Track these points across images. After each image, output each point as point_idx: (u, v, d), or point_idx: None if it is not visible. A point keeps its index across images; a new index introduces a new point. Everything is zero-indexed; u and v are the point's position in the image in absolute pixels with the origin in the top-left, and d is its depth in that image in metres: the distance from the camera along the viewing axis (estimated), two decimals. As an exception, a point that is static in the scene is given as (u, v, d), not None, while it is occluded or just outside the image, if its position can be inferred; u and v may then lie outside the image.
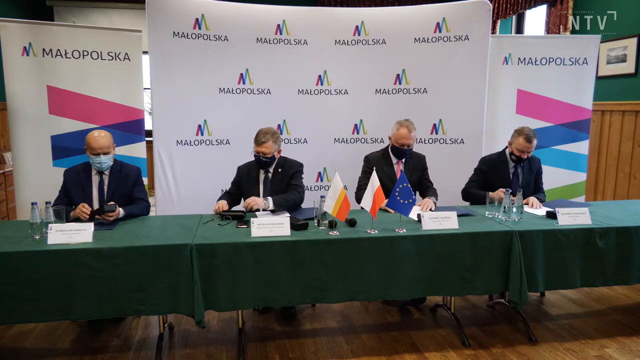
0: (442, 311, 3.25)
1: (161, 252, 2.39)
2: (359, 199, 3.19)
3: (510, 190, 3.01)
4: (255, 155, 3.15)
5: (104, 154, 2.95)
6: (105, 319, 3.01)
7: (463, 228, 2.70)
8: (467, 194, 3.52)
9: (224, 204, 3.03)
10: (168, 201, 4.00)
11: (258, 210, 3.02)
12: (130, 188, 3.07)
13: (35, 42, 3.61)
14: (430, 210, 3.05)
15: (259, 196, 3.15)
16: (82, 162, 3.08)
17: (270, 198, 3.02)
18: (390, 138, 3.43)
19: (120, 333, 2.97)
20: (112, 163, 3.03)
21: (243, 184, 3.24)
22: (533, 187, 3.54)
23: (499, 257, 2.67)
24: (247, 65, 4.10)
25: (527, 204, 3.24)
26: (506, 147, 3.52)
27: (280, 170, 3.23)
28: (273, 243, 2.50)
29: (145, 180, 3.69)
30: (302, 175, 3.31)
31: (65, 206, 2.75)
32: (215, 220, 2.86)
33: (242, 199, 3.19)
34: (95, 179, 3.03)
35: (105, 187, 3.03)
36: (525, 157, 3.38)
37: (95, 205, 2.98)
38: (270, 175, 3.23)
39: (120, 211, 2.85)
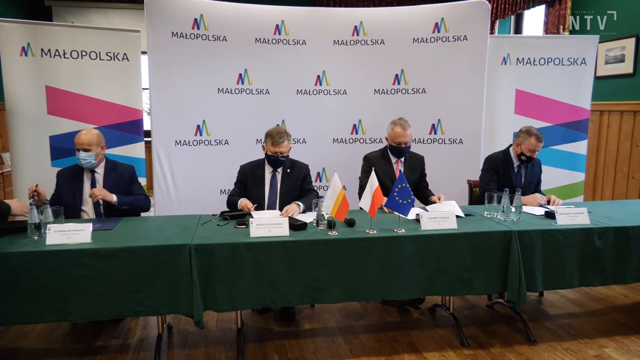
0: (441, 311, 3.25)
1: (160, 253, 2.39)
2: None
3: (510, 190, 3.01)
4: (271, 156, 3.12)
5: (84, 150, 2.94)
6: (104, 320, 3.00)
7: (462, 228, 2.70)
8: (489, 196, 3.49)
9: (249, 202, 3.01)
10: (167, 201, 3.99)
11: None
12: (127, 186, 3.08)
13: (33, 42, 3.61)
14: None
15: (264, 195, 3.17)
16: (75, 163, 3.09)
17: (301, 204, 3.02)
18: (387, 139, 3.43)
19: (119, 334, 2.96)
20: (94, 162, 2.99)
21: (248, 183, 3.21)
22: (534, 187, 3.55)
23: (497, 257, 2.67)
24: (245, 66, 4.10)
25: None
26: (509, 147, 3.51)
27: (289, 171, 3.23)
28: (272, 243, 2.49)
29: (143, 181, 3.69)
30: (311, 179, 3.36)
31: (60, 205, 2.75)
32: (213, 221, 2.86)
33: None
34: (87, 177, 3.04)
35: (99, 185, 3.02)
36: (535, 155, 3.41)
37: (87, 204, 3.00)
38: (278, 175, 3.22)
39: (114, 197, 2.87)
